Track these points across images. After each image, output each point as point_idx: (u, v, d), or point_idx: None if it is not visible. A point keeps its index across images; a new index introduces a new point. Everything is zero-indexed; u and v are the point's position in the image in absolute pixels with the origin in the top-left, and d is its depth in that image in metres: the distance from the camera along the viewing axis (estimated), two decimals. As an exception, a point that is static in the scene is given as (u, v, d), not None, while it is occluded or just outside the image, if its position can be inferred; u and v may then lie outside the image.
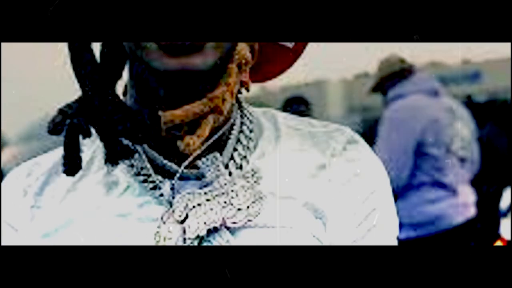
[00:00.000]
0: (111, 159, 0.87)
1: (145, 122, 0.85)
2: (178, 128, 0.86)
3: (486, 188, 4.23)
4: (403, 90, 3.33)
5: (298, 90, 15.46)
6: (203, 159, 0.89)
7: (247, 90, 0.97)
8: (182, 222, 0.86)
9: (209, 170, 0.89)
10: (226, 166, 0.91)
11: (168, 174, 0.90)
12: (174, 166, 0.90)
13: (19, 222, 0.93)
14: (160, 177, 0.90)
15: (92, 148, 0.95)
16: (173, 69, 0.83)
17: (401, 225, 1.00)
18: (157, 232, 0.86)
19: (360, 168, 0.94)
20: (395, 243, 0.96)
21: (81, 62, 0.86)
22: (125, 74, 0.92)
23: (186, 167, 0.89)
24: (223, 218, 0.86)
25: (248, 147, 0.93)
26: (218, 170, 0.89)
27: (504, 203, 4.17)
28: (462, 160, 3.27)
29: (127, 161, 0.91)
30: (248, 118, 0.96)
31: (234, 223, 0.86)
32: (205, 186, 0.89)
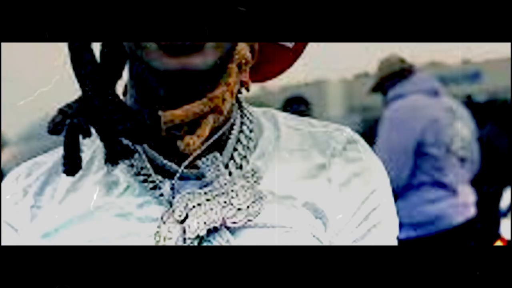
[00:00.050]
0: (111, 159, 0.87)
1: (145, 122, 0.85)
2: (178, 128, 0.86)
3: (486, 188, 4.23)
4: (403, 90, 3.33)
5: (298, 90, 15.45)
6: (203, 159, 0.89)
7: (247, 90, 0.97)
8: (182, 222, 0.86)
9: (209, 170, 0.89)
10: (226, 166, 0.91)
11: (168, 174, 0.90)
12: (174, 166, 0.90)
13: (19, 222, 0.93)
14: (160, 177, 0.90)
15: (92, 148, 0.95)
16: (173, 69, 0.83)
17: (401, 225, 1.00)
18: (157, 232, 0.86)
19: (360, 168, 0.94)
20: (395, 243, 0.96)
21: (81, 62, 0.86)
22: (125, 74, 0.92)
23: (186, 167, 0.89)
24: (223, 218, 0.86)
25: (248, 147, 0.93)
26: (218, 170, 0.89)
27: (504, 203, 4.17)
28: (462, 160, 3.27)
29: (127, 161, 0.91)
30: (248, 118, 0.96)
31: (234, 223, 0.86)
32: (205, 186, 0.89)
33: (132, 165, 0.91)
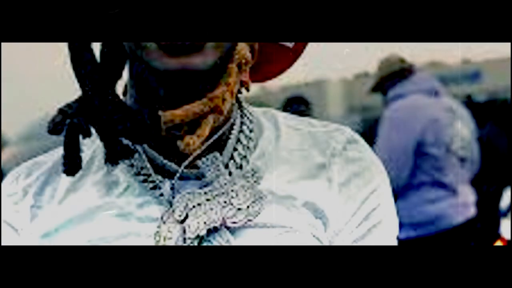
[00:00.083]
0: (111, 159, 0.87)
1: (145, 122, 0.85)
2: (178, 128, 0.86)
3: (486, 188, 4.23)
4: (403, 90, 3.33)
5: (298, 90, 15.45)
6: (203, 159, 0.89)
7: (247, 90, 0.97)
8: (182, 222, 0.86)
9: (209, 170, 0.89)
10: (226, 166, 0.91)
11: (168, 174, 0.90)
12: (174, 166, 0.90)
13: (19, 222, 0.93)
14: (160, 177, 0.90)
15: (92, 148, 0.95)
16: (173, 69, 0.83)
17: (401, 225, 1.00)
18: (157, 232, 0.86)
19: (360, 168, 0.94)
20: (395, 243, 0.96)
21: (81, 62, 0.86)
22: (125, 74, 0.92)
23: (186, 167, 0.89)
24: (223, 218, 0.86)
25: (248, 147, 0.93)
26: (218, 170, 0.89)
27: (504, 203, 4.17)
28: (462, 160, 3.27)
29: (127, 161, 0.91)
30: (248, 118, 0.96)
31: (234, 223, 0.86)
32: (205, 186, 0.89)
33: (132, 165, 0.91)
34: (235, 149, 0.92)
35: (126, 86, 0.94)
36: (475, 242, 3.25)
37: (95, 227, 0.88)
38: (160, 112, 0.85)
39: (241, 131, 0.94)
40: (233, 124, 0.94)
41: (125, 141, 0.87)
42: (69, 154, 0.87)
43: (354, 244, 0.92)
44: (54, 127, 0.85)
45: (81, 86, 0.86)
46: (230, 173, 0.90)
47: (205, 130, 0.87)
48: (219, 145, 0.91)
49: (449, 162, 3.19)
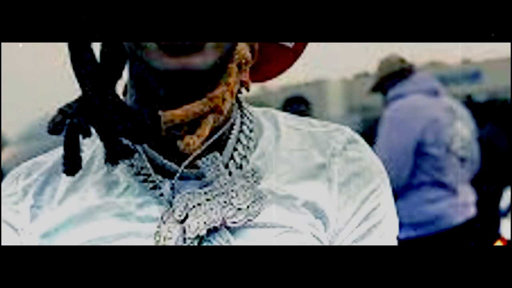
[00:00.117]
0: (111, 158, 0.87)
1: (145, 122, 0.85)
2: (178, 127, 0.86)
3: (486, 188, 4.23)
4: (403, 89, 3.33)
5: (298, 90, 15.45)
6: (203, 159, 0.89)
7: (247, 89, 0.97)
8: (182, 222, 0.86)
9: (209, 170, 0.89)
10: (226, 166, 0.91)
11: (168, 174, 0.90)
12: (174, 166, 0.90)
13: (19, 222, 0.93)
14: (160, 177, 0.90)
15: (92, 148, 0.95)
16: (173, 69, 0.83)
17: (401, 225, 1.00)
18: (157, 232, 0.86)
19: (360, 168, 0.94)
20: (395, 243, 0.96)
21: (81, 62, 0.86)
22: (125, 74, 0.92)
23: (186, 167, 0.89)
24: (223, 218, 0.86)
25: (248, 147, 0.93)
26: (218, 170, 0.89)
27: (504, 203, 4.17)
28: (462, 160, 3.27)
29: (127, 161, 0.91)
30: (248, 117, 0.96)
31: (234, 222, 0.86)
32: (205, 185, 0.89)
33: (132, 165, 0.91)
34: (235, 149, 0.92)
35: (126, 86, 0.94)
36: (475, 242, 3.25)
37: (95, 227, 0.88)
38: (160, 112, 0.85)
39: (241, 131, 0.94)
40: (233, 124, 0.94)
41: (125, 141, 0.87)
42: (69, 154, 0.87)
43: (354, 244, 0.92)
44: (54, 127, 0.85)
45: (81, 86, 0.86)
46: (230, 173, 0.90)
47: (205, 130, 0.87)
48: (219, 145, 0.91)
49: (449, 162, 3.19)
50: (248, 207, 0.87)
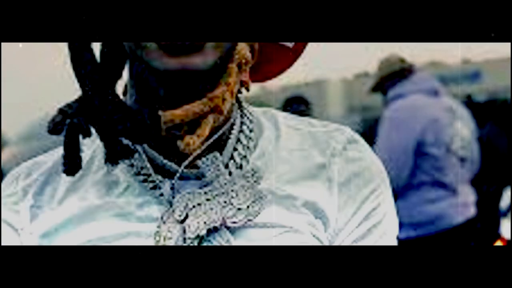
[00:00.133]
0: (111, 158, 0.87)
1: (145, 122, 0.85)
2: (178, 127, 0.86)
3: (486, 188, 4.23)
4: (403, 89, 3.33)
5: (298, 90, 15.45)
6: (203, 159, 0.89)
7: (247, 89, 0.97)
8: (182, 221, 0.86)
9: (209, 170, 0.89)
10: (226, 166, 0.91)
11: (168, 174, 0.90)
12: (174, 166, 0.90)
13: (19, 222, 0.93)
14: (160, 177, 0.90)
15: (92, 147, 0.95)
16: (173, 69, 0.83)
17: (401, 225, 1.00)
18: (157, 232, 0.86)
19: (360, 168, 0.94)
20: (395, 243, 0.96)
21: (81, 62, 0.86)
22: (125, 74, 0.92)
23: (186, 167, 0.89)
24: (223, 218, 0.86)
25: (248, 147, 0.93)
26: (218, 170, 0.89)
27: (504, 203, 4.17)
28: (462, 159, 3.27)
29: (127, 161, 0.91)
30: (248, 117, 0.96)
31: (234, 222, 0.86)
32: (205, 185, 0.89)
33: (132, 165, 0.91)
34: (235, 149, 0.92)
35: (126, 86, 0.94)
36: (475, 242, 3.25)
37: (95, 227, 0.88)
38: (160, 112, 0.85)
39: (241, 131, 0.94)
40: (233, 124, 0.94)
41: (125, 141, 0.87)
42: (69, 154, 0.87)
43: (354, 244, 0.92)
44: (54, 127, 0.85)
45: (81, 86, 0.86)
46: (230, 173, 0.90)
47: (205, 130, 0.87)
48: (219, 145, 0.91)
49: (449, 162, 3.19)
50: (248, 207, 0.87)
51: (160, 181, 0.89)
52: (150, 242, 0.86)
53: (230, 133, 0.93)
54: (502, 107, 5.40)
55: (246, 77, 0.95)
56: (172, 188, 0.89)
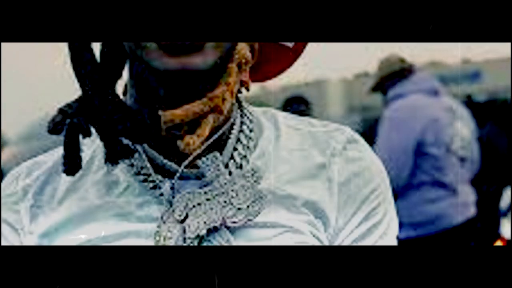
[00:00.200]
0: (111, 158, 0.87)
1: (145, 121, 0.85)
2: (178, 127, 0.86)
3: (486, 188, 4.23)
4: (403, 89, 3.33)
5: (298, 90, 15.45)
6: (203, 159, 0.89)
7: (247, 89, 0.97)
8: (182, 221, 0.86)
9: (209, 170, 0.89)
10: (226, 166, 0.91)
11: (168, 174, 0.90)
12: (174, 166, 0.90)
13: (19, 222, 0.93)
14: (160, 177, 0.90)
15: (92, 147, 0.95)
16: (173, 69, 0.83)
17: (401, 225, 1.00)
18: (157, 231, 0.86)
19: (360, 168, 0.94)
20: (395, 243, 0.96)
21: (81, 62, 0.86)
22: (125, 74, 0.92)
23: (186, 167, 0.89)
24: (223, 218, 0.86)
25: (248, 147, 0.93)
26: (218, 170, 0.89)
27: (504, 203, 4.17)
28: (462, 159, 3.27)
29: (127, 161, 0.91)
30: (248, 117, 0.96)
31: (234, 222, 0.86)
32: (205, 185, 0.89)
33: (132, 165, 0.91)
34: (235, 149, 0.92)
35: (126, 86, 0.94)
36: (475, 242, 3.25)
37: (95, 227, 0.88)
38: (160, 112, 0.85)
39: (241, 130, 0.94)
40: (233, 124, 0.94)
41: (125, 141, 0.87)
42: (69, 154, 0.87)
43: (354, 244, 0.92)
44: (54, 127, 0.85)
45: (81, 86, 0.86)
46: (230, 173, 0.90)
47: (205, 130, 0.87)
48: (219, 145, 0.91)
49: (449, 162, 3.19)
50: (248, 207, 0.87)
51: (160, 181, 0.89)
52: (150, 242, 0.86)
53: (230, 133, 0.93)
54: (502, 107, 5.40)
55: (246, 77, 0.95)
56: (172, 188, 0.89)
